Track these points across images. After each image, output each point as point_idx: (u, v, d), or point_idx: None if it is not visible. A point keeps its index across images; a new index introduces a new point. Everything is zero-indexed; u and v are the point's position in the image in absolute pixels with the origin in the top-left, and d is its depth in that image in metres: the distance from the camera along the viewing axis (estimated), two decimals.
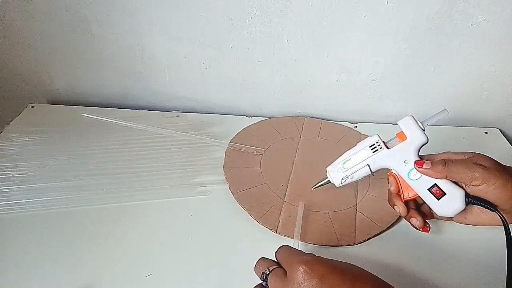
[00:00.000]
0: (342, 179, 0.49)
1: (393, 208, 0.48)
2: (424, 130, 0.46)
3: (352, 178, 0.49)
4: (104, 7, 0.65)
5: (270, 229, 0.52)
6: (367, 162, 0.47)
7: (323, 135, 0.71)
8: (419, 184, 0.45)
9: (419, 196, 0.46)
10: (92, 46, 0.71)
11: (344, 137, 0.70)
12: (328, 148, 0.68)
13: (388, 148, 0.47)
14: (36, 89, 0.79)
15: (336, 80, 0.72)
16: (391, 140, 0.48)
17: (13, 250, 0.49)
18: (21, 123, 0.70)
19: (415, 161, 0.45)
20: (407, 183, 0.46)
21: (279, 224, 0.53)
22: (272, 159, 0.65)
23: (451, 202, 0.44)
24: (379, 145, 0.47)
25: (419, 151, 0.46)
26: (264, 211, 0.55)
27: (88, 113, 0.70)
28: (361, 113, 0.76)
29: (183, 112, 0.75)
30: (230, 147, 0.66)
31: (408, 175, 0.45)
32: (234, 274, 0.47)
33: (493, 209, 0.42)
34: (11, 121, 0.70)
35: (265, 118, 0.74)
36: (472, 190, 0.43)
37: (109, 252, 0.49)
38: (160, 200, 0.56)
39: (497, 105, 0.73)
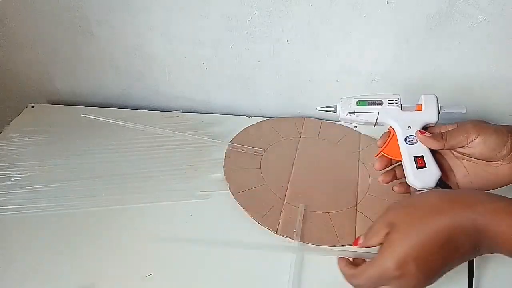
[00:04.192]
0: (349, 112, 0.51)
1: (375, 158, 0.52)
2: (439, 112, 0.49)
3: (356, 117, 0.51)
4: (104, 7, 0.65)
5: (270, 229, 0.52)
6: (378, 109, 0.50)
7: (323, 135, 0.71)
8: (409, 149, 0.48)
9: (397, 161, 0.50)
10: (92, 46, 0.71)
11: (344, 137, 0.70)
12: (328, 148, 0.68)
13: (401, 110, 0.50)
14: (36, 89, 0.79)
15: (336, 80, 0.72)
16: (408, 106, 0.51)
17: (13, 250, 0.49)
18: (21, 123, 0.70)
19: (419, 130, 0.49)
20: (398, 145, 0.49)
21: (279, 225, 0.53)
22: (272, 159, 0.65)
23: (426, 177, 0.48)
24: (396, 102, 0.51)
25: (423, 127, 0.50)
26: (264, 212, 0.55)
27: (87, 114, 0.70)
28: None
29: (183, 112, 0.75)
30: (230, 148, 0.66)
31: (405, 138, 0.49)
32: (234, 275, 0.47)
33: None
34: (11, 121, 0.70)
35: (265, 118, 0.74)
36: (473, 149, 0.45)
37: (109, 252, 0.49)
38: (160, 201, 0.56)
39: (497, 105, 0.73)
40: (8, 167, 0.59)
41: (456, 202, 0.35)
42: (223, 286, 0.46)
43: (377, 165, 0.51)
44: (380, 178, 0.51)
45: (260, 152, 0.65)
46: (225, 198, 0.57)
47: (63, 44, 0.71)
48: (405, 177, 0.50)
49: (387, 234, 0.37)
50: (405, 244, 0.35)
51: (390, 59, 0.68)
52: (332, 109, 0.53)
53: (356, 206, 0.57)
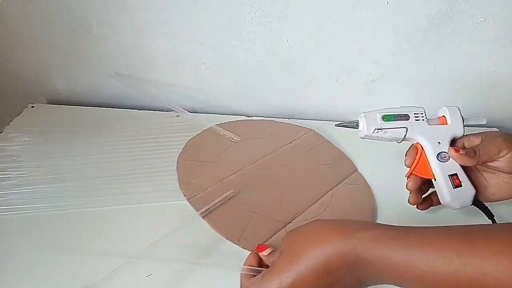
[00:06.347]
0: (376, 129, 0.46)
1: (406, 178, 0.49)
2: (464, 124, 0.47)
3: (384, 133, 0.46)
4: (104, 7, 0.65)
5: (184, 195, 0.51)
6: (407, 124, 0.46)
7: (321, 157, 0.64)
8: (443, 167, 0.45)
9: (428, 179, 0.47)
10: (92, 46, 0.71)
11: (338, 163, 0.64)
12: (312, 167, 0.61)
13: (428, 124, 0.47)
14: (36, 89, 0.79)
15: (336, 80, 0.72)
16: (431, 119, 0.48)
17: (12, 251, 0.49)
18: (21, 123, 0.70)
19: (453, 147, 0.46)
20: (429, 163, 0.46)
21: (196, 196, 0.51)
22: (244, 148, 0.61)
23: (463, 196, 0.45)
24: (422, 116, 0.47)
25: (451, 140, 0.47)
26: (193, 181, 0.52)
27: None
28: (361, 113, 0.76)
29: (183, 112, 0.75)
30: (212, 128, 0.64)
31: (437, 156, 0.46)
32: (234, 274, 0.47)
33: (490, 218, 0.47)
34: (11, 121, 0.70)
35: (265, 118, 0.74)
36: (501, 163, 0.44)
37: (109, 252, 0.49)
38: (160, 201, 0.56)
39: (497, 105, 0.73)
40: (8, 167, 0.59)
41: (337, 230, 0.34)
42: (223, 285, 0.46)
43: (410, 185, 0.48)
44: (419, 207, 0.48)
45: (237, 139, 0.62)
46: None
47: (63, 44, 0.71)
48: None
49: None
50: (282, 273, 0.35)
51: (390, 59, 0.68)
52: (354, 124, 0.47)
53: (287, 224, 0.51)
